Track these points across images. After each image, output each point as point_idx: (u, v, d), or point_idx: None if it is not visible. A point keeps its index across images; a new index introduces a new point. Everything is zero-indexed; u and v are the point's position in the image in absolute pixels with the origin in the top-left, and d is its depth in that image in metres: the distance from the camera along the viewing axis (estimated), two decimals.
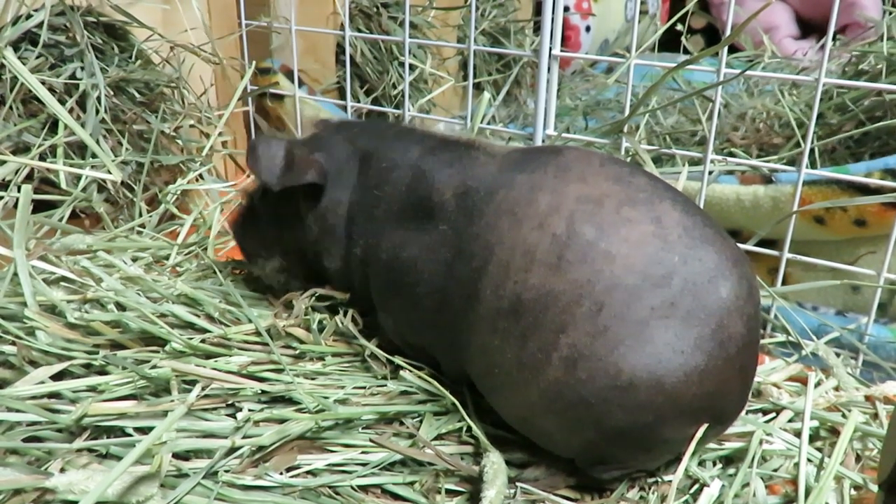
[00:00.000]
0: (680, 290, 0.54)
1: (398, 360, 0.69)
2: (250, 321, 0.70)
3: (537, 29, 1.00)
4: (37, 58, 0.89)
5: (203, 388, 0.62)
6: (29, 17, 0.87)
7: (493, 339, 0.58)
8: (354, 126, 0.75)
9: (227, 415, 0.63)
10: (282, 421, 0.61)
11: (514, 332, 0.57)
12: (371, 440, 0.61)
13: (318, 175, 0.70)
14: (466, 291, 0.60)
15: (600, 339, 0.53)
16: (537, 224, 0.57)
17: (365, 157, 0.71)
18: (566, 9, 1.92)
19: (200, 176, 1.06)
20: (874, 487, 0.60)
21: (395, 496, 0.59)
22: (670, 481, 0.60)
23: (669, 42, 2.07)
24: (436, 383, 0.65)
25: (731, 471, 0.64)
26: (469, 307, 0.60)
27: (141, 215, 0.95)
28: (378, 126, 0.75)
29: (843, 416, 0.69)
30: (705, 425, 0.55)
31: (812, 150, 1.09)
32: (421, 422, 0.65)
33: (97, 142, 0.90)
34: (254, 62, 1.20)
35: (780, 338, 0.85)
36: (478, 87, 1.62)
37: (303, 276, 0.78)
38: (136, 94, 1.02)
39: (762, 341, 0.84)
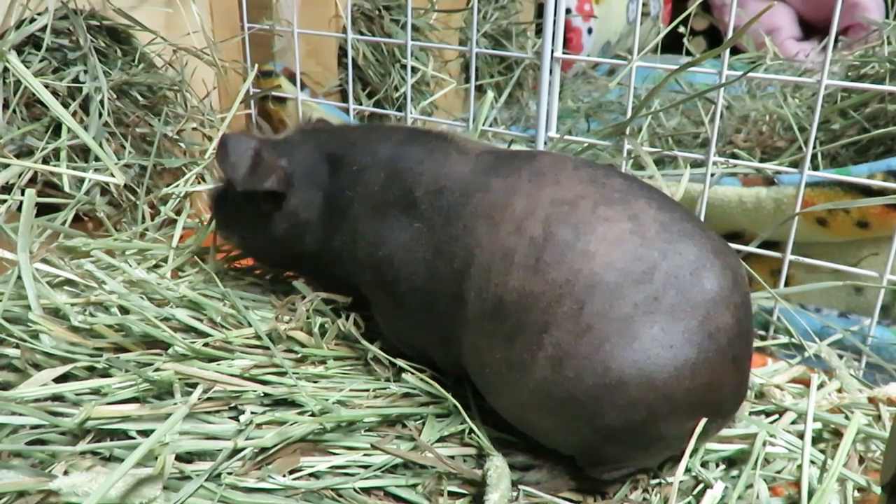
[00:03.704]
0: (662, 284, 0.54)
1: (401, 362, 0.69)
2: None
3: (539, 31, 1.00)
4: (40, 61, 0.89)
5: (205, 391, 0.62)
6: (32, 20, 0.88)
7: (481, 339, 0.59)
8: (323, 132, 0.76)
9: (230, 417, 0.63)
10: (284, 423, 0.61)
11: (499, 334, 0.57)
12: (372, 445, 0.62)
13: (279, 182, 0.71)
14: (451, 291, 0.61)
15: (585, 337, 0.53)
16: (514, 228, 0.58)
17: (335, 161, 0.72)
18: (568, 11, 1.92)
19: (202, 178, 1.06)
20: (877, 489, 0.60)
21: (398, 499, 0.59)
22: (673, 482, 0.60)
23: (671, 44, 2.06)
24: (437, 386, 0.65)
25: (735, 472, 0.64)
26: (456, 307, 0.61)
27: (144, 218, 0.95)
28: (345, 129, 0.76)
29: (846, 417, 0.69)
30: (704, 420, 0.55)
31: (815, 154, 1.09)
32: (423, 424, 0.65)
33: (100, 145, 0.90)
34: (256, 65, 1.20)
35: (783, 339, 0.85)
36: (480, 90, 1.62)
37: (264, 260, 0.82)
38: (139, 98, 1.02)
39: (765, 343, 0.84)
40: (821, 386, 0.74)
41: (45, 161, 0.87)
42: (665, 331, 0.53)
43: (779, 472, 0.64)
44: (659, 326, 0.53)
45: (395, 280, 0.65)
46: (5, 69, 0.84)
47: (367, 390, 0.68)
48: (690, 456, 0.57)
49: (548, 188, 0.59)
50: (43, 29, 0.87)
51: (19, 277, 0.69)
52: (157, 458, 0.53)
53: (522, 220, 0.58)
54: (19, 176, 0.84)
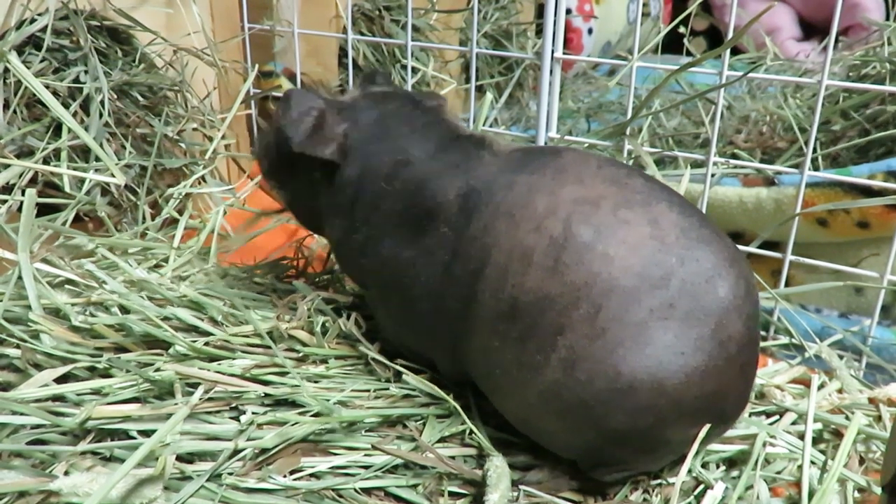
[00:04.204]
0: (678, 291, 0.54)
1: (401, 363, 0.69)
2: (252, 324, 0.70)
3: (539, 31, 1.00)
4: (41, 62, 0.89)
5: (206, 391, 0.62)
6: (33, 21, 0.88)
7: (493, 340, 0.58)
8: (391, 103, 0.70)
9: (231, 418, 0.63)
10: (285, 424, 0.61)
11: (512, 335, 0.57)
12: (373, 445, 0.62)
13: (338, 153, 0.68)
14: (463, 293, 0.60)
15: (598, 341, 0.53)
16: (534, 227, 0.57)
17: (386, 140, 0.68)
18: (568, 11, 1.92)
19: (203, 179, 1.06)
20: (878, 490, 0.60)
21: (399, 499, 0.59)
22: (674, 483, 0.60)
23: (672, 44, 2.06)
24: (436, 387, 0.65)
25: (735, 473, 0.64)
26: (467, 309, 0.60)
27: (144, 219, 0.95)
28: (411, 115, 0.70)
29: (847, 418, 0.69)
30: (708, 425, 0.55)
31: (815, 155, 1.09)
32: (424, 425, 0.65)
33: (101, 145, 0.90)
34: (256, 65, 1.20)
35: (784, 340, 0.85)
36: (480, 90, 1.62)
37: (305, 224, 0.78)
38: (140, 98, 1.02)
39: (765, 343, 0.84)
40: (821, 386, 0.74)
41: (46, 161, 0.87)
42: (678, 337, 0.53)
43: (779, 472, 0.64)
44: (672, 333, 0.53)
45: (411, 284, 0.64)
46: (6, 69, 0.84)
47: (368, 391, 0.68)
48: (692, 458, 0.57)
49: (570, 186, 0.58)
50: (43, 29, 0.87)
51: (20, 277, 0.69)
52: (157, 459, 0.53)
53: (543, 218, 0.57)
54: (20, 176, 0.84)
